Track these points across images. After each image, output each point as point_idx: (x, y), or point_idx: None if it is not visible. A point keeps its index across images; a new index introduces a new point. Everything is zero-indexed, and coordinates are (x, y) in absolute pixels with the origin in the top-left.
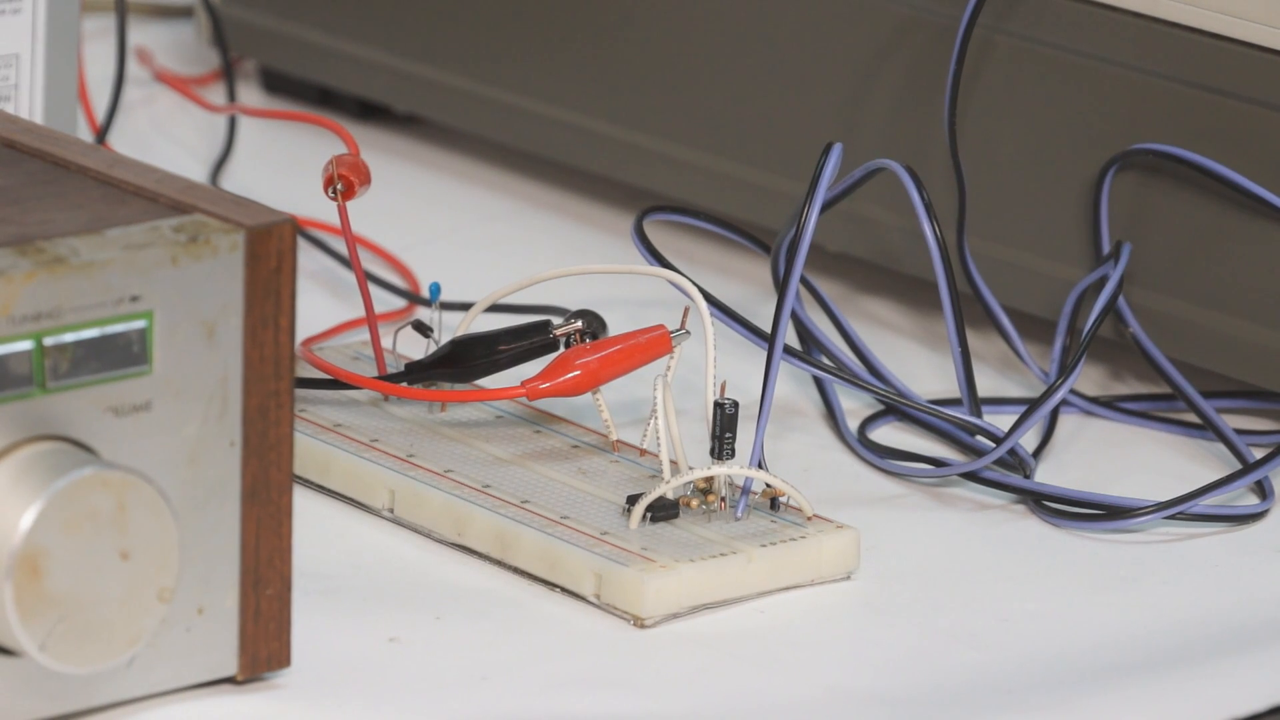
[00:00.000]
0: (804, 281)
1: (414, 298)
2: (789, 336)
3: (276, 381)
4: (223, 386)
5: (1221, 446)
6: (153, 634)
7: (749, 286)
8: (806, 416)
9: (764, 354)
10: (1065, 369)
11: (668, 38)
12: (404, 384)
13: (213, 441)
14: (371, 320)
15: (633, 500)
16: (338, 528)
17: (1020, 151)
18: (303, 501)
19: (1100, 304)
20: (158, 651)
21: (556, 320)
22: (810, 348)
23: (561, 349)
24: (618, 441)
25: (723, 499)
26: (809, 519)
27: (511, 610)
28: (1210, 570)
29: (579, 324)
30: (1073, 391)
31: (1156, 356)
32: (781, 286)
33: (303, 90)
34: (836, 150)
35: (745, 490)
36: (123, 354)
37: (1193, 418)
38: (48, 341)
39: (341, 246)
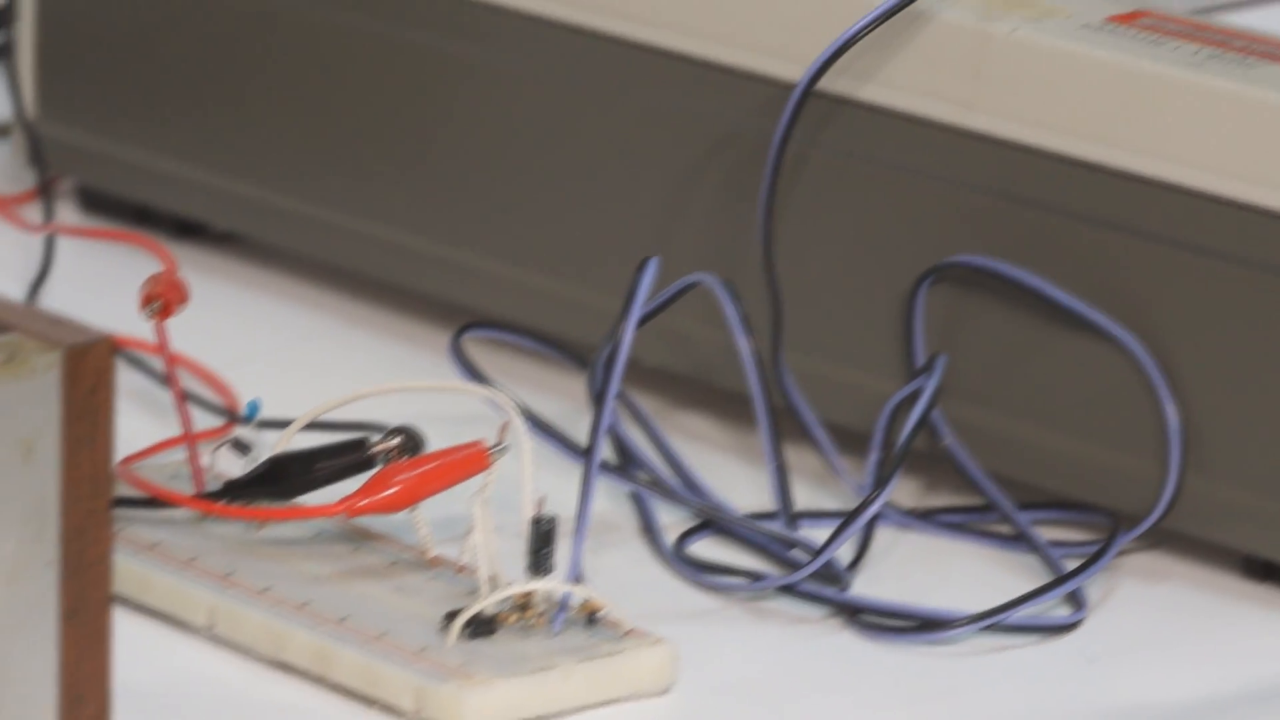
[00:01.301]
0: (621, 396)
1: (232, 416)
2: (606, 451)
3: (94, 501)
4: (40, 506)
5: (1036, 558)
6: None
7: (566, 402)
8: (624, 531)
9: (581, 469)
10: (880, 481)
11: (483, 153)
12: (222, 502)
13: (30, 561)
14: (190, 439)
15: (451, 616)
16: (157, 646)
17: (835, 264)
18: (122, 620)
19: (915, 417)
20: None
21: (374, 437)
22: (627, 462)
23: (379, 466)
24: (436, 558)
25: (541, 614)
26: (626, 633)
27: None
28: (1026, 681)
29: (396, 441)
30: (888, 504)
31: (971, 469)
32: (598, 402)
33: (121, 209)
34: (652, 265)
35: (563, 605)
36: None
37: (1008, 529)
38: None
39: (160, 365)
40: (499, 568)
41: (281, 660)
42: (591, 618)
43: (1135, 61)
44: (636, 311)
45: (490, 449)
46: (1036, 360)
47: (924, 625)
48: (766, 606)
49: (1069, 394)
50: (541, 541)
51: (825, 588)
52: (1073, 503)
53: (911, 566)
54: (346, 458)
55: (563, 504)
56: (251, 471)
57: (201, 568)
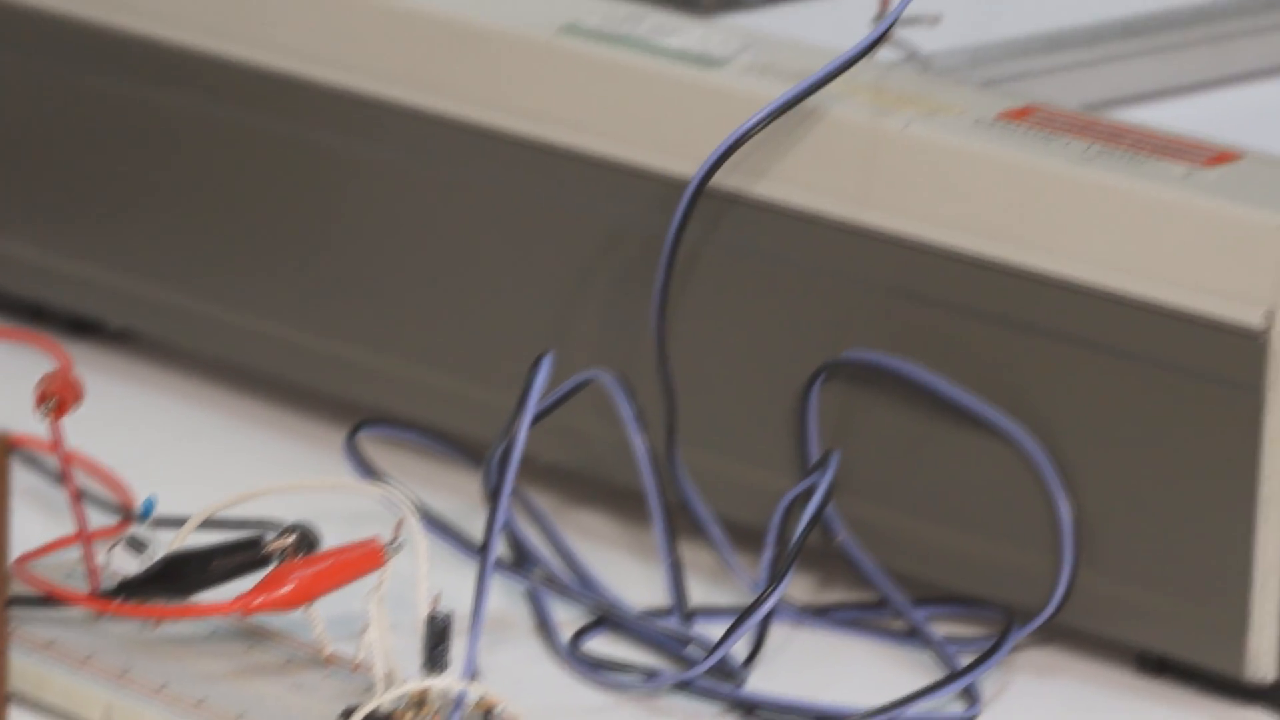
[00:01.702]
0: (515, 493)
1: (128, 514)
2: (501, 548)
3: None
4: None
5: (930, 654)
6: None
7: (461, 499)
8: (519, 628)
9: (477, 566)
10: (775, 578)
11: (376, 249)
12: (118, 600)
13: None
14: (85, 537)
15: (348, 714)
16: None
17: (729, 360)
18: (19, 718)
19: (809, 513)
20: None
21: (269, 535)
22: (522, 559)
23: (275, 564)
24: (331, 655)
25: (437, 711)
26: None
27: None
28: None
29: (291, 538)
30: (783, 600)
31: (865, 565)
32: (493, 498)
33: (15, 307)
34: (547, 362)
35: (459, 702)
36: None
37: (902, 625)
38: None
39: (55, 463)
40: (395, 665)
41: None
42: (487, 715)
43: (1026, 157)
44: (531, 409)
45: (385, 546)
46: (930, 456)
47: None
48: (662, 703)
49: (963, 489)
50: (437, 638)
51: (720, 684)
52: (967, 598)
53: (806, 663)
54: (242, 555)
55: (458, 601)
56: (147, 569)
57: (97, 665)
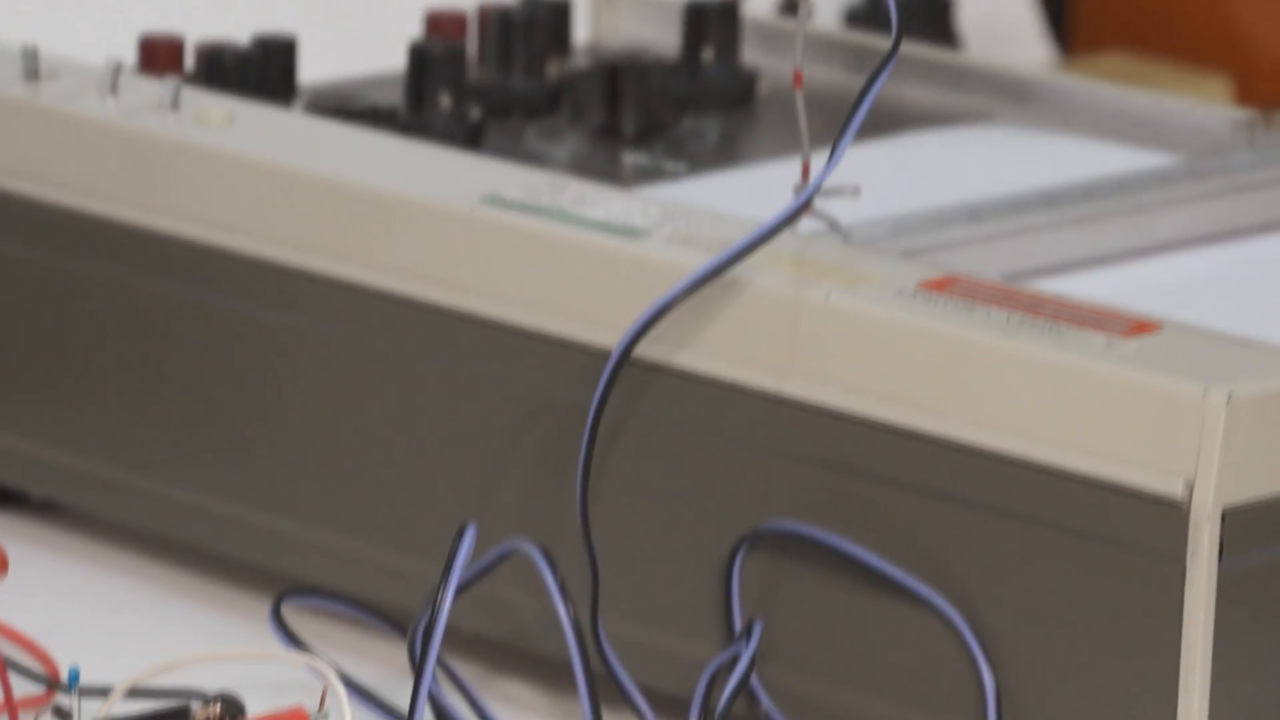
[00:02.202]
0: (440, 663)
1: (53, 683)
2: (427, 718)
3: None
4: None
5: None
6: None
7: (387, 669)
8: None
9: None
10: None
11: (299, 420)
12: None
13: None
14: (10, 707)
15: None
16: None
17: (653, 530)
18: None
19: (732, 683)
20: None
21: (195, 705)
22: None
23: None
24: None
25: None
26: None
27: None
28: None
29: (217, 708)
30: None
31: None
32: (418, 669)
33: None
34: (470, 532)
35: None
36: None
37: None
38: None
39: None
40: None
41: None
42: None
43: (947, 328)
44: (455, 578)
45: (311, 716)
46: (854, 625)
47: None
48: None
49: (887, 659)
50: None
51: None
52: None
53: None
54: None
55: None
56: None
57: None
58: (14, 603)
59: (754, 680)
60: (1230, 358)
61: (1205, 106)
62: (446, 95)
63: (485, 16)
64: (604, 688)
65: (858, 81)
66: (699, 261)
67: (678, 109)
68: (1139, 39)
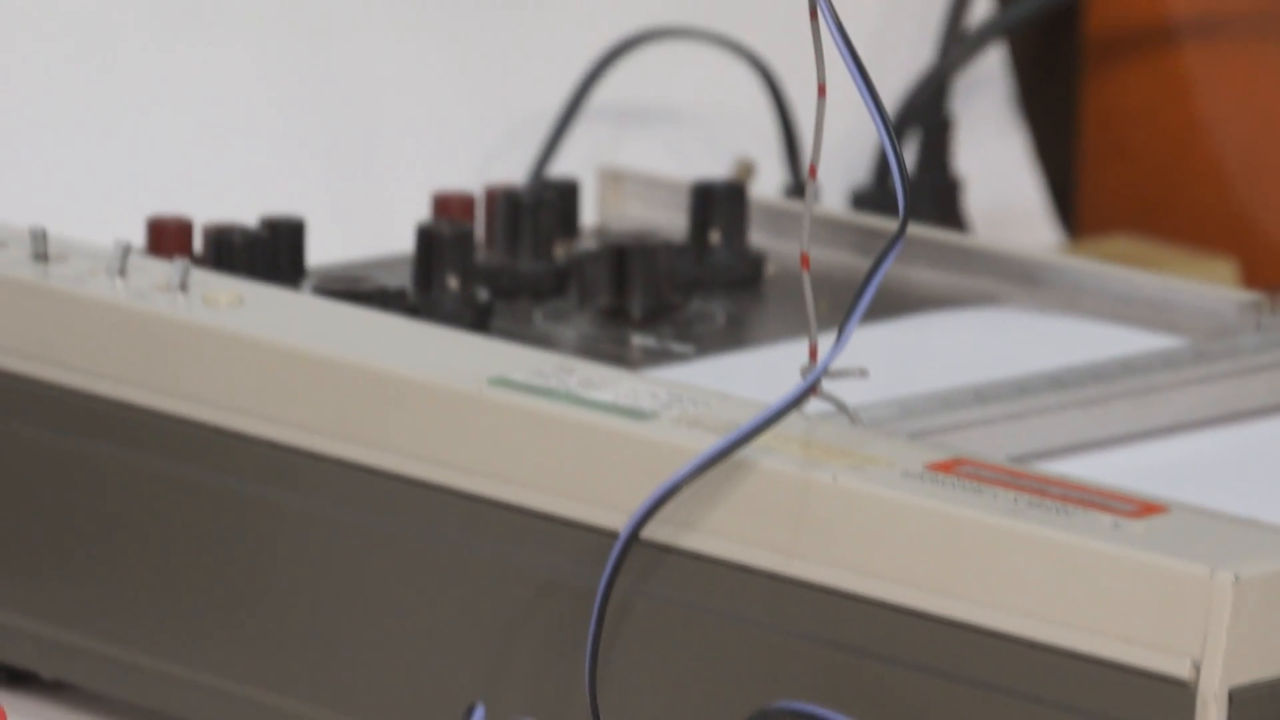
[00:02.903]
0: None
1: None
2: None
3: None
4: None
5: None
6: None
7: None
8: None
9: None
10: None
11: (309, 600)
12: None
13: None
14: None
15: None
16: None
17: (661, 710)
18: None
19: None
20: None
21: None
22: None
23: None
24: None
25: None
26: None
27: None
28: None
29: None
30: None
31: None
32: None
33: None
34: (479, 712)
35: None
36: None
37: None
38: None
39: None
40: None
41: None
42: None
43: (955, 509)
44: None
45: None
46: None
47: None
48: None
49: None
50: None
51: None
52: None
53: None
54: None
55: None
56: None
57: None
58: None
59: None
60: (1237, 539)
61: (1211, 289)
62: (454, 277)
63: (492, 198)
64: None
65: (865, 263)
66: (706, 443)
67: (685, 291)
68: (1145, 223)
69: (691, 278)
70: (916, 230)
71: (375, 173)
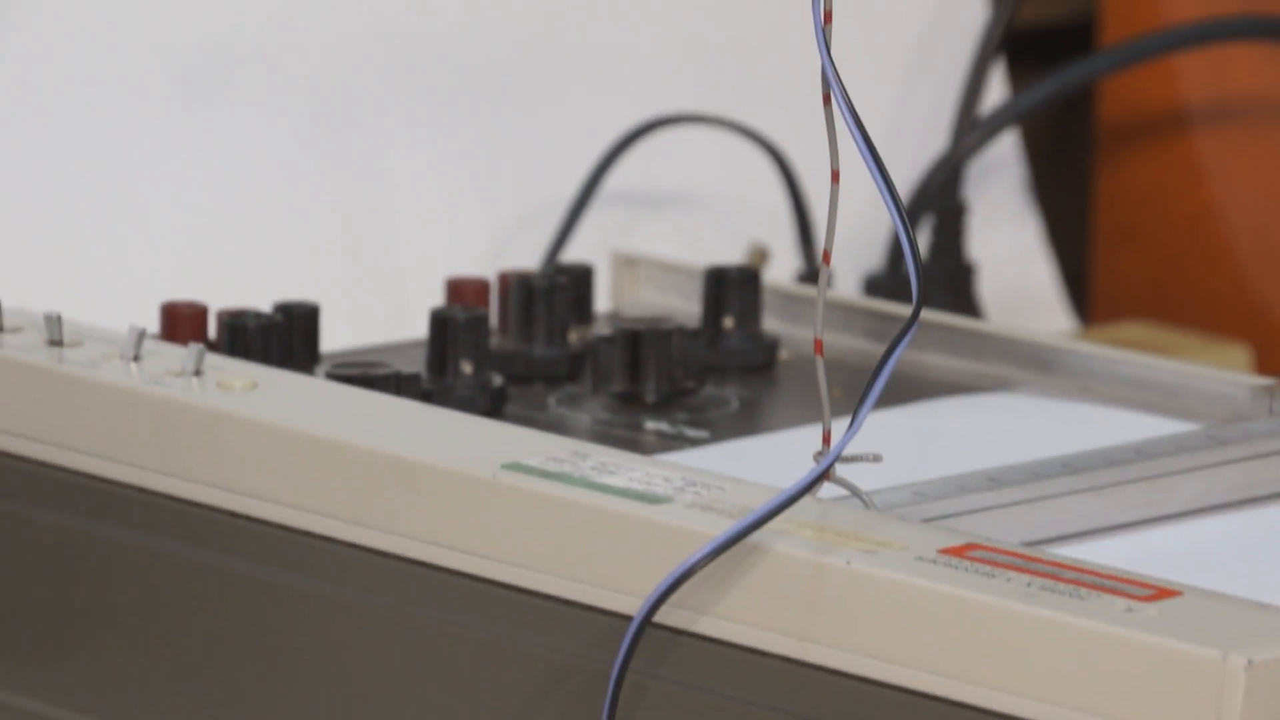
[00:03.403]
0: None
1: None
2: None
3: None
4: None
5: None
6: None
7: None
8: None
9: None
10: None
11: (320, 684)
12: None
13: None
14: None
15: None
16: None
17: None
18: None
19: None
20: None
21: None
22: None
23: None
24: None
25: None
26: None
27: None
28: None
29: None
30: None
31: None
32: None
33: None
34: None
35: None
36: None
37: None
38: None
39: None
40: None
41: None
42: None
43: (968, 593)
44: None
45: None
46: None
47: None
48: None
49: None
50: None
51: None
52: None
53: None
54: None
55: None
56: None
57: None
58: None
59: None
60: (1250, 623)
61: (1224, 374)
62: (468, 362)
63: (506, 283)
64: None
65: (878, 349)
66: (720, 528)
67: (699, 376)
68: (1158, 309)
69: (705, 363)
70: (930, 316)
71: (389, 258)
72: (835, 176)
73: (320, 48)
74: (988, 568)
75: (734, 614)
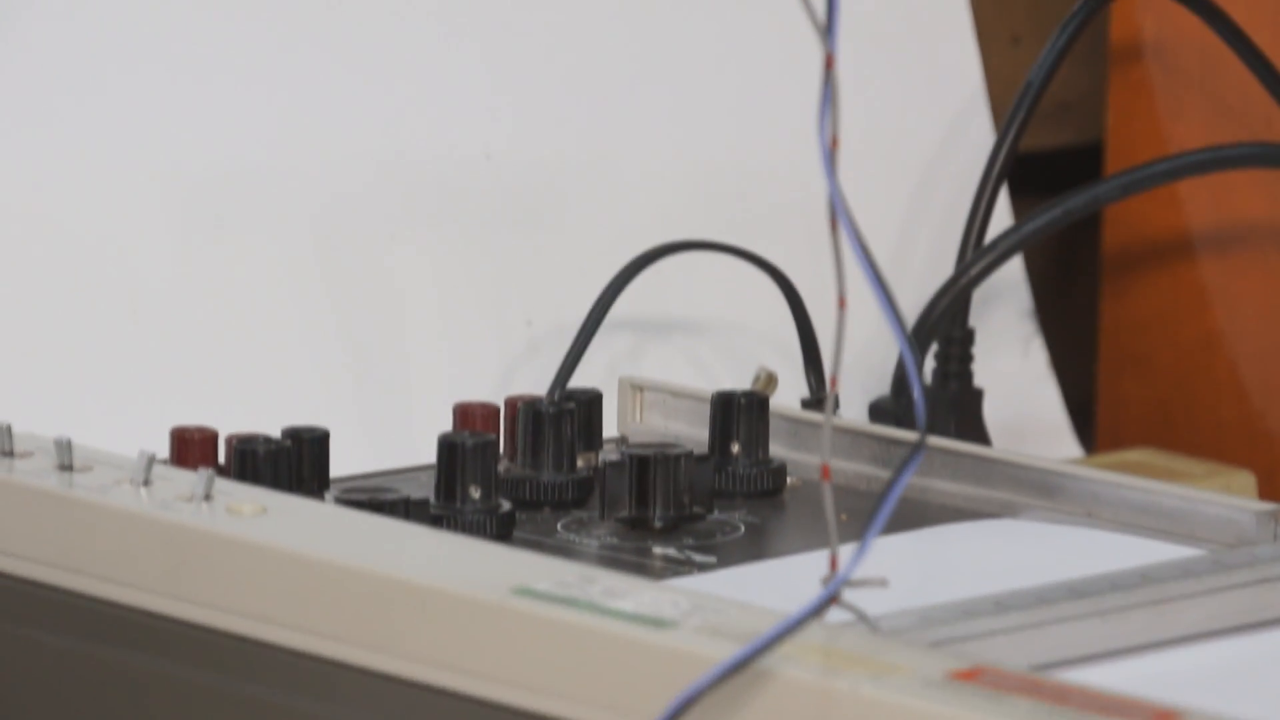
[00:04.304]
0: None
1: None
2: None
3: None
4: None
5: None
6: None
7: None
8: None
9: None
10: None
11: None
12: None
13: None
14: None
15: None
16: None
17: None
18: None
19: None
20: None
21: None
22: None
23: None
24: None
25: None
26: None
27: None
28: None
29: None
30: None
31: None
32: None
33: None
34: None
35: None
36: None
37: None
38: None
39: None
40: None
41: None
42: None
43: (976, 717)
44: None
45: None
46: None
47: None
48: None
49: None
50: None
51: None
52: None
53: None
54: None
55: None
56: None
57: None
58: None
59: None
60: None
61: (1229, 499)
62: (477, 487)
63: (514, 409)
64: None
65: (884, 475)
66: (727, 652)
67: (707, 501)
68: (1164, 435)
69: (713, 488)
70: (935, 442)
71: (399, 384)
72: (842, 303)
73: (330, 176)
74: (995, 692)
75: None
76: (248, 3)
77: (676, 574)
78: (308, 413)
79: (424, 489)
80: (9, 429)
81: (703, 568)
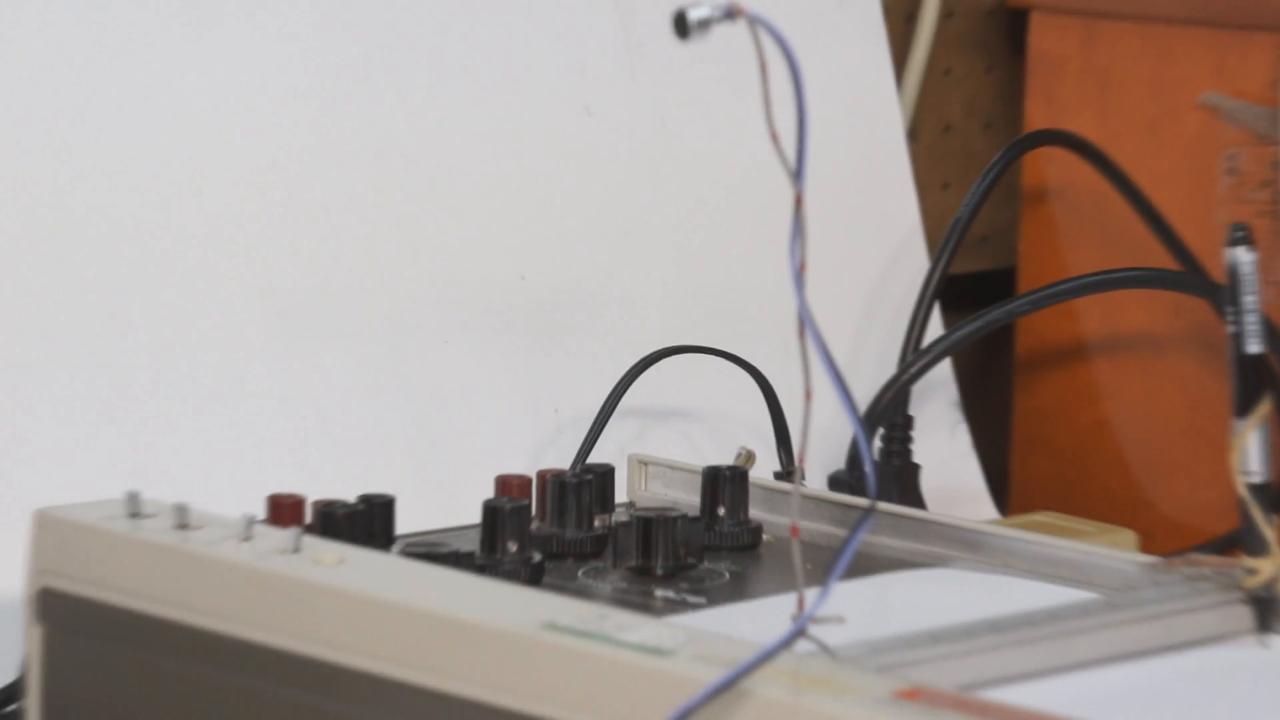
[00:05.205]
0: None
1: None
2: None
3: None
4: None
5: None
6: None
7: None
8: None
9: None
10: None
11: None
12: None
13: None
14: None
15: None
16: None
17: None
18: None
19: None
20: None
21: None
22: None
23: None
24: None
25: None
26: None
27: None
28: None
29: None
30: None
31: None
32: None
33: None
34: None
35: None
36: None
37: None
38: None
39: None
40: None
41: None
42: None
43: None
44: None
45: None
46: None
47: None
48: None
49: None
50: None
51: None
52: None
53: None
54: None
55: None
56: None
57: None
58: None
59: None
60: None
61: (1117, 553)
62: (513, 542)
63: (544, 480)
64: None
65: (842, 533)
66: (715, 675)
67: (698, 554)
68: (1063, 502)
69: (703, 544)
70: (883, 507)
71: (451, 460)
72: (808, 395)
73: (395, 293)
74: (931, 708)
75: None
76: (332, 155)
77: (674, 612)
78: (378, 482)
79: (471, 544)
80: (138, 496)
81: (695, 607)
